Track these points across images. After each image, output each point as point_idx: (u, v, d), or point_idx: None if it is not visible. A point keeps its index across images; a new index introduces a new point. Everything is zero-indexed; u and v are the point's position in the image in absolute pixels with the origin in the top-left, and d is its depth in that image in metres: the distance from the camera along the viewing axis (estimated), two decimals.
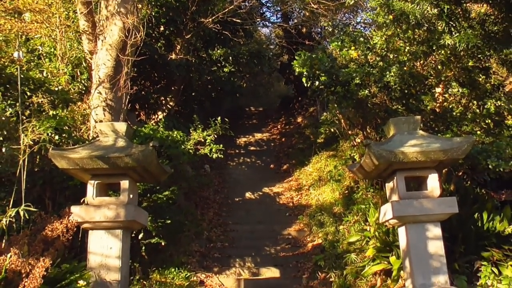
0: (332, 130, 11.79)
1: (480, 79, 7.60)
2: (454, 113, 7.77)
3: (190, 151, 8.55)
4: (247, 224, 10.41)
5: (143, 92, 11.71)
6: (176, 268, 7.46)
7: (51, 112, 7.07)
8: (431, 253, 5.46)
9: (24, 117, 6.43)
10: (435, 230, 5.53)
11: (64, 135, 6.77)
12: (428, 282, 5.37)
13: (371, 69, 7.59)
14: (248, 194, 12.11)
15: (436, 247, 5.47)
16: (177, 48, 12.09)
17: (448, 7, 6.23)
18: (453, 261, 6.15)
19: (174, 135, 8.45)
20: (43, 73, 8.33)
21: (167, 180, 6.82)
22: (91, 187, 5.59)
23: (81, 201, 6.03)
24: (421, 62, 7.93)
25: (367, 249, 7.23)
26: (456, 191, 7.25)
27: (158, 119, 11.43)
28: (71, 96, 8.07)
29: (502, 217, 6.77)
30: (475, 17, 6.77)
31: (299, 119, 17.57)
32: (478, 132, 7.45)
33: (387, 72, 7.35)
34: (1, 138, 6.22)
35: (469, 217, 6.75)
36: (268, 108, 21.18)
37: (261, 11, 17.37)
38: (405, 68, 7.47)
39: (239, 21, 12.58)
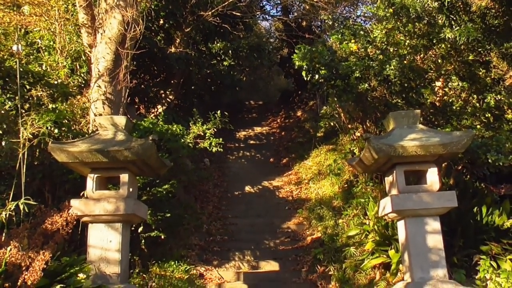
0: (332, 124, 11.80)
1: (480, 73, 7.59)
2: (454, 107, 7.77)
3: (190, 144, 8.55)
4: (247, 218, 10.43)
5: (142, 86, 11.69)
6: (176, 261, 7.49)
7: (50, 106, 7.06)
8: (430, 247, 5.47)
9: (24, 111, 6.43)
10: (434, 224, 5.53)
11: (63, 128, 6.77)
12: (427, 276, 5.39)
13: (371, 63, 7.58)
14: (247, 188, 12.12)
15: (435, 241, 5.48)
16: (177, 41, 12.06)
17: (449, 0, 6.21)
18: (452, 255, 6.17)
19: (174, 128, 8.44)
20: (42, 66, 8.31)
21: (166, 173, 6.83)
22: (90, 181, 5.59)
23: (81, 194, 6.04)
24: (421, 55, 7.92)
25: (366, 242, 7.26)
26: (456, 185, 7.26)
27: (157, 112, 11.42)
28: (71, 90, 8.06)
29: (501, 211, 6.79)
30: (476, 10, 6.75)
31: (299, 113, 17.56)
32: (478, 126, 7.45)
33: (387, 66, 7.34)
34: (1, 132, 6.22)
35: (468, 211, 6.77)
36: (268, 101, 21.16)
37: (261, 4, 17.29)
38: (405, 62, 7.45)
39: (238, 14, 12.53)
